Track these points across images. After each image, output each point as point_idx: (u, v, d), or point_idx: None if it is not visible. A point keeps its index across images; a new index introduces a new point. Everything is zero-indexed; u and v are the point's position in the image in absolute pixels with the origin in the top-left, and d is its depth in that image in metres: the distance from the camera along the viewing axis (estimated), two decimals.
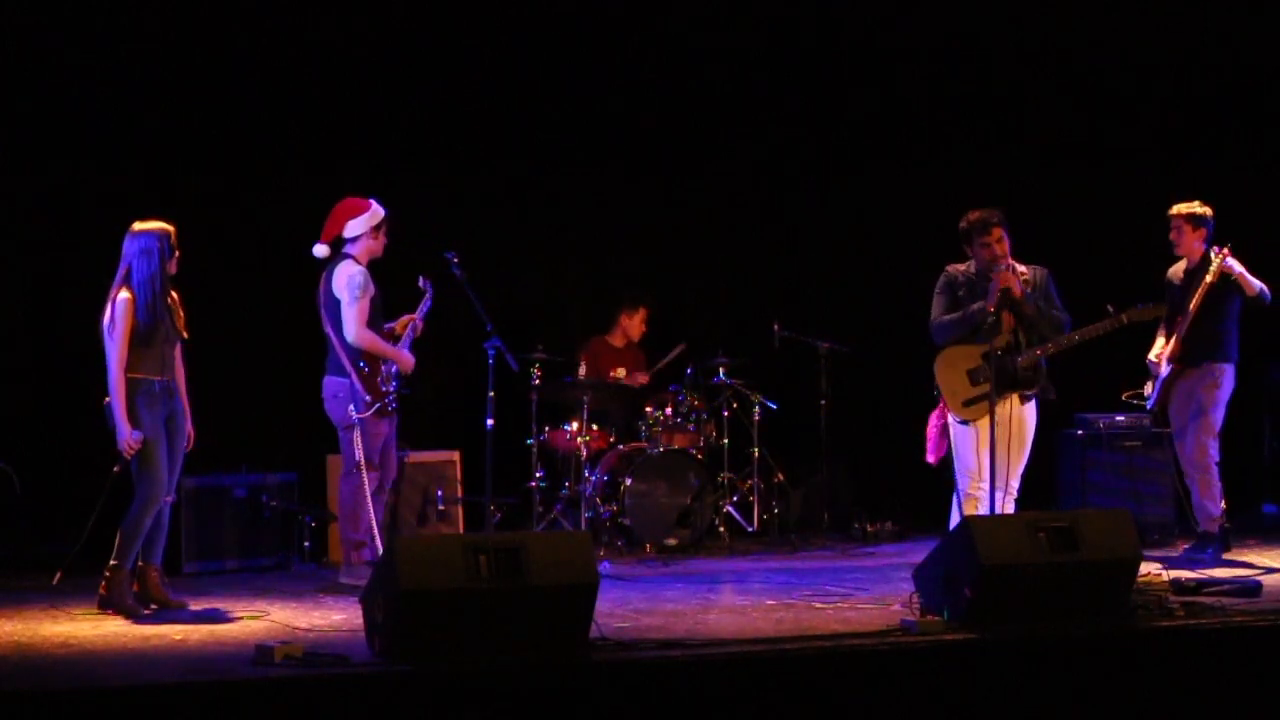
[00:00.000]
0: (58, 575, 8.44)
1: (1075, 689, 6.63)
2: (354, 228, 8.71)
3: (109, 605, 7.71)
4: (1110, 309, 8.37)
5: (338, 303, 8.61)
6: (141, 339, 7.77)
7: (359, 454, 8.59)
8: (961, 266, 8.40)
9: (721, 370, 10.69)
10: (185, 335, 7.98)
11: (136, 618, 7.61)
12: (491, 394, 9.37)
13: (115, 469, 7.94)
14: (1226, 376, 9.54)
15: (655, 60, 11.43)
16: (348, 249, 8.74)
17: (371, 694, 6.03)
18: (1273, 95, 12.01)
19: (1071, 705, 6.60)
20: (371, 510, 8.74)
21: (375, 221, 8.75)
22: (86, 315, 9.92)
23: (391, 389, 8.71)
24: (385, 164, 10.70)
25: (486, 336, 9.41)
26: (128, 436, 7.73)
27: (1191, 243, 9.59)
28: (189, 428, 8.03)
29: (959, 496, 8.22)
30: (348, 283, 8.60)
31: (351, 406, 8.59)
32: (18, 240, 10.05)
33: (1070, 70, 12.05)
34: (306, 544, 9.70)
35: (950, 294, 8.29)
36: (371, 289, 8.68)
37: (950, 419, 8.29)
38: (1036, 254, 9.22)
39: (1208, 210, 9.62)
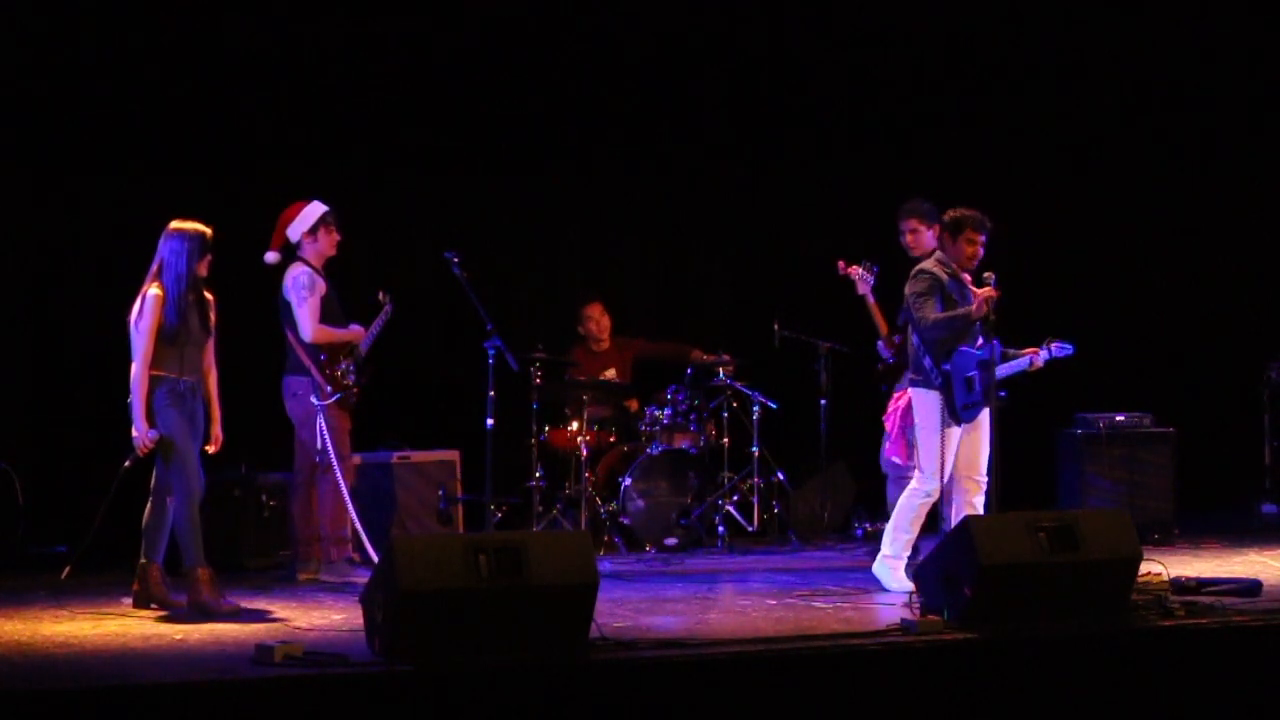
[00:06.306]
0: (65, 570, 8.54)
1: (1075, 689, 6.63)
2: (294, 232, 9.01)
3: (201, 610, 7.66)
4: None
5: (289, 305, 8.89)
6: (167, 337, 7.76)
7: (330, 446, 8.77)
8: (932, 265, 8.43)
9: (722, 370, 10.69)
10: (212, 335, 7.97)
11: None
12: (491, 394, 9.38)
13: (126, 463, 7.94)
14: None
15: (656, 60, 11.43)
16: (300, 252, 9.00)
17: (371, 694, 6.03)
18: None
19: (1071, 705, 6.60)
20: (351, 506, 8.81)
21: (310, 223, 8.99)
22: (86, 316, 9.93)
23: (351, 383, 8.93)
24: (385, 164, 10.72)
25: (487, 336, 9.42)
26: (143, 434, 7.71)
27: (926, 242, 9.33)
28: (217, 431, 8.04)
29: (945, 494, 8.33)
30: (293, 284, 8.91)
31: (313, 397, 8.82)
32: (18, 240, 10.05)
33: (1071, 70, 12.06)
34: None
35: (940, 294, 8.33)
36: (321, 286, 8.96)
37: (939, 418, 8.30)
38: (1036, 256, 9.24)
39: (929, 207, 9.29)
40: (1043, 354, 8.40)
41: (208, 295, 7.98)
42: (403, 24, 10.77)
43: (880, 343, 9.64)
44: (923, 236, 9.38)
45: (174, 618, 7.61)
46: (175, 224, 7.89)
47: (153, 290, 7.78)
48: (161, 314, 7.75)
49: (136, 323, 7.79)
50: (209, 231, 7.91)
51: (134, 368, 7.76)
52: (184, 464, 7.74)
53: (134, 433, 7.75)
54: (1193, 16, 11.92)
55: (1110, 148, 12.05)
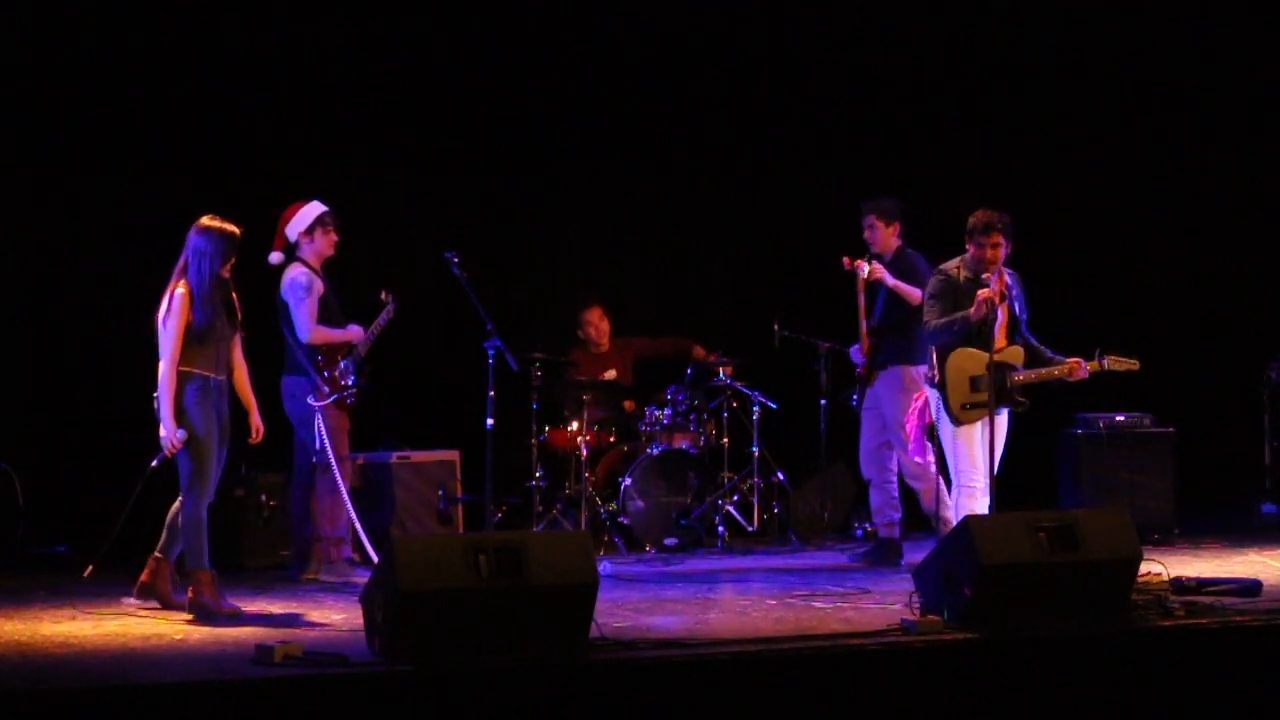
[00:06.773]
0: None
1: (1075, 689, 6.63)
2: (292, 232, 9.00)
3: (200, 613, 7.63)
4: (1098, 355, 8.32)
5: (286, 305, 8.89)
6: (199, 335, 7.64)
7: (328, 446, 8.77)
8: (954, 265, 8.42)
9: (721, 370, 10.69)
10: (240, 330, 7.91)
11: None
12: (491, 394, 9.38)
13: (153, 463, 7.91)
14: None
15: (656, 60, 11.43)
16: (298, 253, 9.00)
17: (371, 694, 6.03)
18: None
19: (1071, 705, 6.60)
20: (350, 506, 8.81)
21: (307, 223, 8.99)
22: (86, 316, 9.92)
23: (350, 383, 8.93)
24: (385, 164, 10.73)
25: (487, 336, 9.42)
26: (171, 433, 7.61)
27: (888, 239, 9.43)
28: (257, 420, 8.06)
29: (946, 492, 8.34)
30: (290, 286, 8.91)
31: (310, 397, 8.82)
32: (18, 240, 10.05)
33: (1071, 70, 12.06)
34: None
35: (950, 297, 8.31)
36: (318, 287, 8.95)
37: (943, 417, 8.34)
38: (1036, 257, 9.22)
39: (895, 204, 9.44)
40: (1084, 367, 8.23)
41: (233, 293, 7.89)
42: (403, 24, 10.77)
43: (854, 348, 9.63)
44: (880, 233, 9.42)
45: (174, 618, 7.61)
46: (205, 221, 7.71)
47: (180, 289, 7.66)
48: (190, 312, 7.63)
49: (165, 321, 7.66)
50: (238, 231, 7.72)
51: (162, 366, 7.63)
52: (204, 465, 7.67)
53: (162, 432, 7.64)
54: (1193, 16, 11.92)
55: (1110, 148, 12.05)
